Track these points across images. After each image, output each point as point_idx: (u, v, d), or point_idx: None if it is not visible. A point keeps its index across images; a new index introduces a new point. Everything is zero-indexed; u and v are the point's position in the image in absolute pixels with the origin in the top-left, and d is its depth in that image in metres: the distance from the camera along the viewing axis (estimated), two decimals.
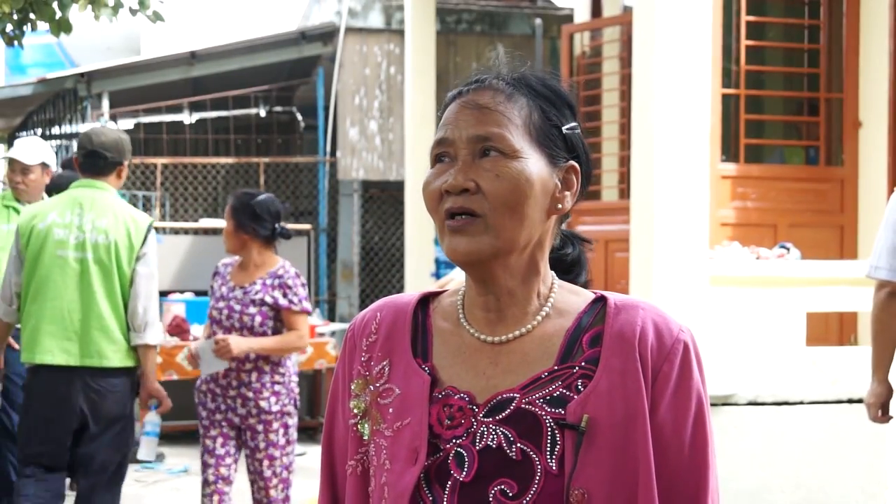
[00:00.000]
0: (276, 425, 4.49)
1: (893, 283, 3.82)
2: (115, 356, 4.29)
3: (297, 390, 4.62)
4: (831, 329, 6.65)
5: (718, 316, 5.54)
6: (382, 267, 11.74)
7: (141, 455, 4.60)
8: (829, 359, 5.68)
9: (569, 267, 1.57)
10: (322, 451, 1.52)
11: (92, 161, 4.41)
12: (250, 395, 4.47)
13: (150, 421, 4.53)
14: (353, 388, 1.44)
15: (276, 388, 4.51)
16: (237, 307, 4.49)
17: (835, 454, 5.48)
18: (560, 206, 1.38)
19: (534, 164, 1.35)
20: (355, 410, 1.43)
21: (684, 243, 5.47)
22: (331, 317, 11.05)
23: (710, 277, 5.54)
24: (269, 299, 4.47)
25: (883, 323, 3.86)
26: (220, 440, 4.54)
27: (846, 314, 6.60)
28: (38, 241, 4.31)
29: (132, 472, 7.16)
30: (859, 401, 5.23)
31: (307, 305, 4.56)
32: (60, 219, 4.33)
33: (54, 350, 4.27)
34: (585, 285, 1.59)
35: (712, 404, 5.35)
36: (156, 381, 4.42)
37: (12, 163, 5.51)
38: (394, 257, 11.63)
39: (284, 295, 4.49)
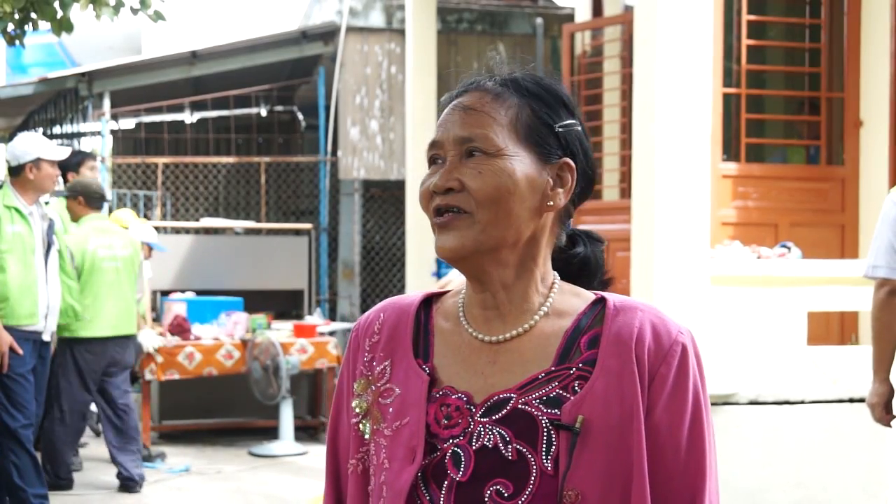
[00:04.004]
0: None
1: (893, 281, 3.80)
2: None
3: None
4: (832, 328, 6.65)
5: (719, 315, 5.54)
6: (383, 266, 11.74)
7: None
8: (830, 358, 5.68)
9: (579, 267, 1.51)
10: (327, 449, 1.53)
11: (102, 202, 6.66)
12: None
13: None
14: (355, 387, 1.46)
15: None
16: None
17: (835, 453, 5.48)
18: (551, 203, 1.39)
19: (519, 161, 1.36)
20: (357, 410, 1.45)
21: (685, 243, 5.46)
22: (332, 316, 11.06)
23: (711, 277, 5.54)
24: None
25: (883, 322, 3.85)
26: None
27: (847, 313, 6.60)
28: (90, 258, 6.39)
29: None
30: (860, 400, 5.23)
31: None
32: (100, 242, 6.42)
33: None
34: (605, 285, 1.55)
35: (713, 404, 5.36)
36: None
37: (54, 161, 5.66)
38: (395, 257, 11.63)
39: None
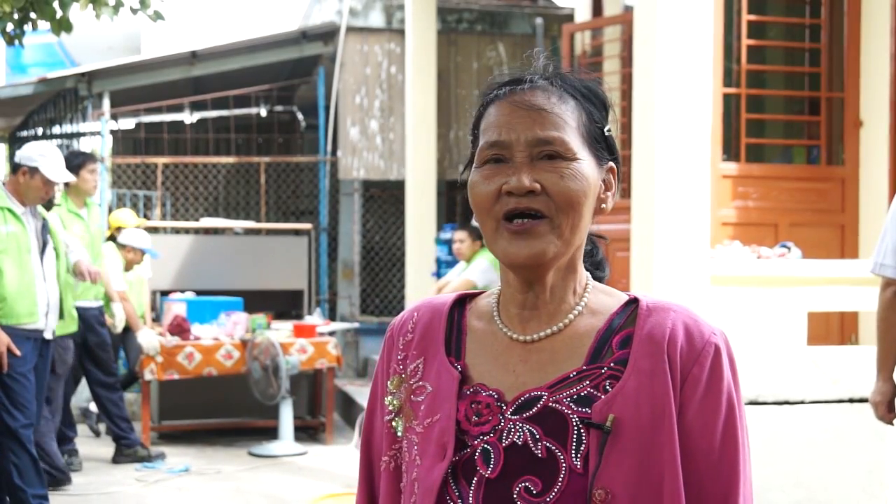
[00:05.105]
0: None
1: None
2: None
3: None
4: (832, 328, 6.65)
5: (719, 316, 5.54)
6: (383, 266, 11.74)
7: None
8: (830, 358, 5.68)
9: (598, 264, 1.57)
10: (361, 446, 1.55)
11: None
12: None
13: None
14: (389, 385, 1.47)
15: None
16: None
17: (836, 454, 5.48)
18: (604, 206, 1.40)
19: (587, 165, 1.37)
20: (390, 407, 1.46)
21: (685, 243, 5.46)
22: (331, 316, 11.05)
23: (711, 277, 5.54)
24: None
25: (889, 322, 3.83)
26: None
27: (847, 314, 6.60)
28: None
29: (133, 471, 7.16)
30: (860, 400, 5.22)
31: None
32: None
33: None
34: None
35: None
36: None
37: (49, 180, 5.55)
38: (394, 257, 11.63)
39: None
